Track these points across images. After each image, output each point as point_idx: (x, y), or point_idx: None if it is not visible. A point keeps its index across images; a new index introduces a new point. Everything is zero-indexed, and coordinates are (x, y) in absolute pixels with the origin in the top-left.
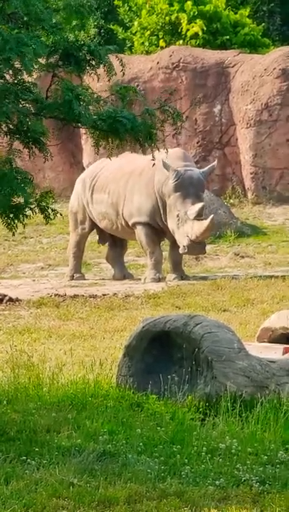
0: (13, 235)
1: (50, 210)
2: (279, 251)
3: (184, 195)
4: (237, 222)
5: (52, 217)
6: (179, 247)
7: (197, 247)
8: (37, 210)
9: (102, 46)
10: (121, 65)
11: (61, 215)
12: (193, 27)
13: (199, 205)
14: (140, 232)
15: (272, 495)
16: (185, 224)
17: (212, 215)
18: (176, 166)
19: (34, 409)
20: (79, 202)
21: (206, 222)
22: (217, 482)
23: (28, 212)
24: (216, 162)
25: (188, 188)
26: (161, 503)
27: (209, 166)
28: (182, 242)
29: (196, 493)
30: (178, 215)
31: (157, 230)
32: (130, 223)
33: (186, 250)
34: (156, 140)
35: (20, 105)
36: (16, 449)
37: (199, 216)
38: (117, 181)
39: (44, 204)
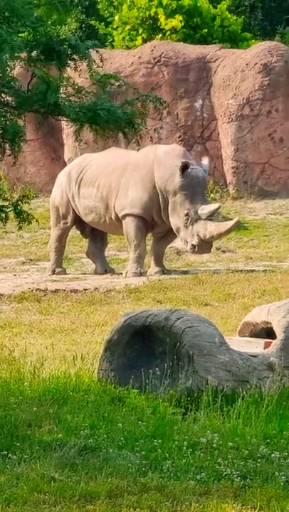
0: None
1: (25, 215)
2: (260, 245)
3: (191, 194)
4: (218, 216)
5: (28, 223)
6: (163, 241)
7: (205, 246)
8: (11, 216)
9: (83, 41)
10: (100, 60)
11: (37, 221)
12: (171, 21)
13: (215, 205)
14: (130, 223)
15: (254, 489)
16: (195, 223)
17: (237, 218)
18: (178, 163)
19: (15, 403)
20: (62, 195)
21: (229, 223)
22: (198, 476)
23: (2, 215)
24: (208, 158)
25: (196, 187)
26: (142, 497)
27: (207, 162)
28: (190, 240)
29: (177, 487)
30: (187, 214)
31: (148, 224)
32: (121, 215)
33: (195, 249)
34: (139, 129)
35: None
36: None
37: (211, 216)
38: (108, 175)
39: (20, 208)
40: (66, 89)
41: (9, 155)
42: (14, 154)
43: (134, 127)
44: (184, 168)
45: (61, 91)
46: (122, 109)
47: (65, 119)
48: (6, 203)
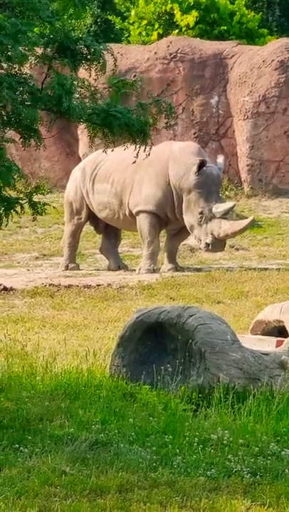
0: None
1: (40, 206)
2: (274, 244)
3: (206, 192)
4: (232, 214)
5: (42, 213)
6: (177, 238)
7: (219, 244)
8: (26, 206)
9: (99, 42)
10: (114, 63)
11: (54, 207)
12: (187, 17)
13: (229, 204)
14: (144, 220)
15: (263, 486)
16: (210, 221)
17: (253, 217)
18: (193, 161)
19: (27, 397)
20: (77, 191)
21: (244, 222)
22: (208, 473)
23: (18, 208)
24: (223, 157)
25: (210, 185)
26: (152, 492)
27: (222, 160)
28: (204, 239)
29: (187, 483)
30: (201, 212)
31: (162, 221)
32: (135, 211)
33: (209, 247)
34: (149, 137)
35: (16, 95)
36: (8, 437)
37: (226, 215)
38: (123, 171)
39: (34, 199)
40: (80, 91)
41: (23, 149)
42: (36, 142)
43: (145, 137)
44: (201, 166)
45: (75, 93)
46: (135, 116)
47: (77, 121)
48: (21, 195)
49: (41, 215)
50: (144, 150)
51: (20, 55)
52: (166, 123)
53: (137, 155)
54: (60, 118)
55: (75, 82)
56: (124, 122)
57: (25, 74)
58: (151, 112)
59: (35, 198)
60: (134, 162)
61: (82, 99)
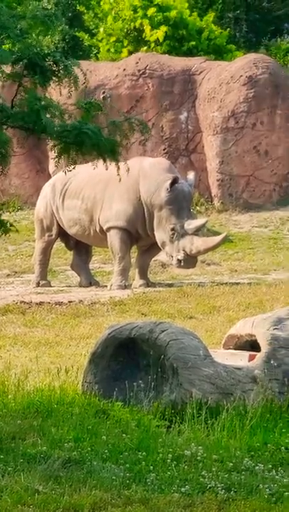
0: None
1: (6, 224)
2: (245, 258)
3: (177, 208)
4: (203, 229)
5: (6, 232)
6: (148, 254)
7: (191, 261)
8: None
9: (68, 57)
10: (84, 78)
11: (17, 230)
12: (156, 33)
13: (201, 221)
14: (114, 236)
15: (238, 502)
16: (181, 238)
17: (225, 233)
18: (164, 177)
19: None
20: (47, 208)
21: (217, 239)
22: (182, 489)
23: None
24: (194, 173)
25: (182, 201)
26: (126, 510)
27: (192, 177)
28: (176, 255)
29: (161, 500)
30: (173, 229)
31: (132, 237)
32: (105, 227)
33: (181, 264)
34: (118, 155)
35: None
36: None
37: (198, 231)
38: (93, 187)
39: (3, 217)
40: (50, 110)
41: None
42: (2, 164)
43: (114, 154)
44: (173, 182)
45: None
46: (108, 132)
47: (48, 138)
48: None
49: (6, 233)
50: (116, 167)
51: None
52: (141, 139)
53: (118, 174)
54: (31, 135)
55: (47, 100)
56: (96, 142)
57: None
58: (123, 130)
59: (4, 216)
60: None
61: (53, 117)
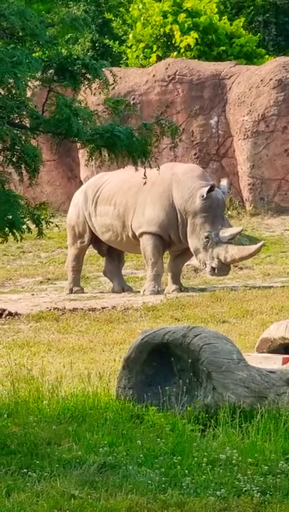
0: (5, 241)
1: (44, 223)
2: (277, 262)
3: (212, 216)
4: None
5: (45, 231)
6: (180, 259)
7: (225, 268)
8: (30, 224)
9: (97, 60)
10: (114, 80)
11: (57, 226)
12: (186, 39)
13: (237, 229)
14: (147, 242)
15: (273, 505)
16: (216, 246)
17: (262, 242)
18: (198, 184)
19: (34, 422)
20: (79, 214)
21: (253, 248)
22: (218, 493)
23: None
24: (227, 179)
25: (216, 209)
26: None
27: (225, 184)
28: (209, 263)
29: (196, 503)
30: (207, 236)
31: (165, 242)
32: (138, 233)
33: (214, 272)
34: (150, 157)
35: (17, 120)
36: (17, 462)
37: (232, 239)
38: (124, 193)
39: (38, 216)
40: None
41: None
42: (31, 177)
43: (146, 156)
44: (210, 190)
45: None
46: (139, 133)
47: (79, 142)
48: (22, 215)
49: (44, 234)
50: (148, 167)
51: (23, 87)
52: (171, 143)
53: (145, 175)
54: (64, 140)
55: (77, 104)
56: (127, 143)
57: (24, 97)
58: (154, 132)
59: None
60: (145, 183)
61: (84, 121)
